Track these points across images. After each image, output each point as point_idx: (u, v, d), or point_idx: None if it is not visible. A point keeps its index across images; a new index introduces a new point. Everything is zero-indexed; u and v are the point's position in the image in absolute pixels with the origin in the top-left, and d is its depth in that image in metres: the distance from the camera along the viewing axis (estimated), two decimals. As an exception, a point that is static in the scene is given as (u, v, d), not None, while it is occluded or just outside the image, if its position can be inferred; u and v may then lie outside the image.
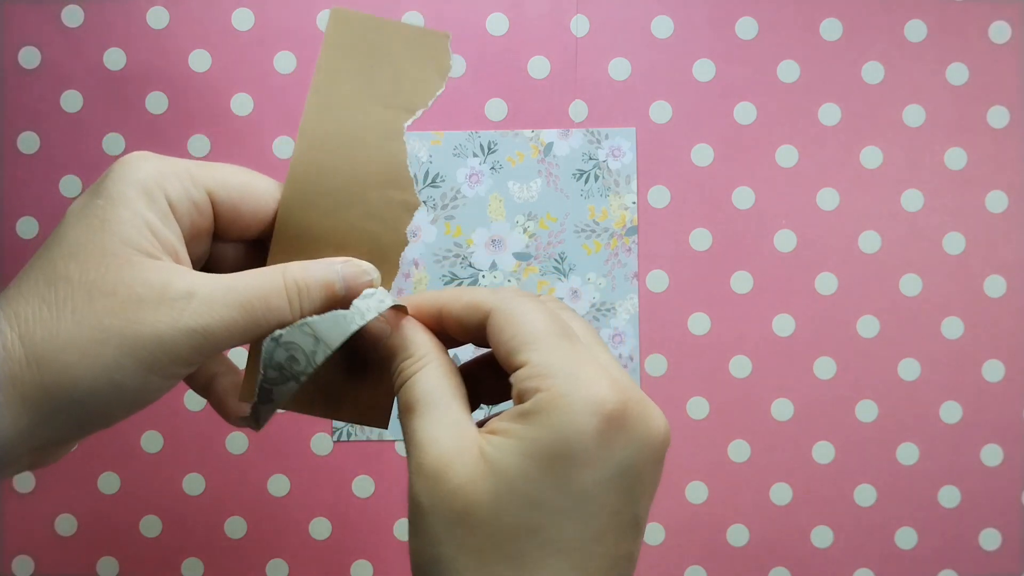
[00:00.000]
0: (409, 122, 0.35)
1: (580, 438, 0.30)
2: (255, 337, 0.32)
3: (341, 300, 0.33)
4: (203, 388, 0.37)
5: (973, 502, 0.58)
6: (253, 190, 0.34)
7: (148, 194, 0.32)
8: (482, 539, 0.30)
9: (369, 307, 0.33)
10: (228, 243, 0.36)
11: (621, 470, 0.30)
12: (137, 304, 0.31)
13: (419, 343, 0.33)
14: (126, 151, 0.57)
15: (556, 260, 0.57)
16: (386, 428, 0.37)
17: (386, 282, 0.35)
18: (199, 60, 0.57)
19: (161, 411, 0.57)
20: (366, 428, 0.57)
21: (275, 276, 0.33)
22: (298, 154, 0.34)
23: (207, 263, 0.36)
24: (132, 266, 0.31)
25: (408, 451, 0.32)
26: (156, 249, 0.32)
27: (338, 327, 0.32)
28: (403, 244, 0.35)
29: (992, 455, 0.57)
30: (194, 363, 0.32)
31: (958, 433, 0.58)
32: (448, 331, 0.34)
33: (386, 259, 0.35)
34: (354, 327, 0.32)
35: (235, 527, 0.57)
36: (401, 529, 0.57)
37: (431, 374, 0.32)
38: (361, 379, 0.36)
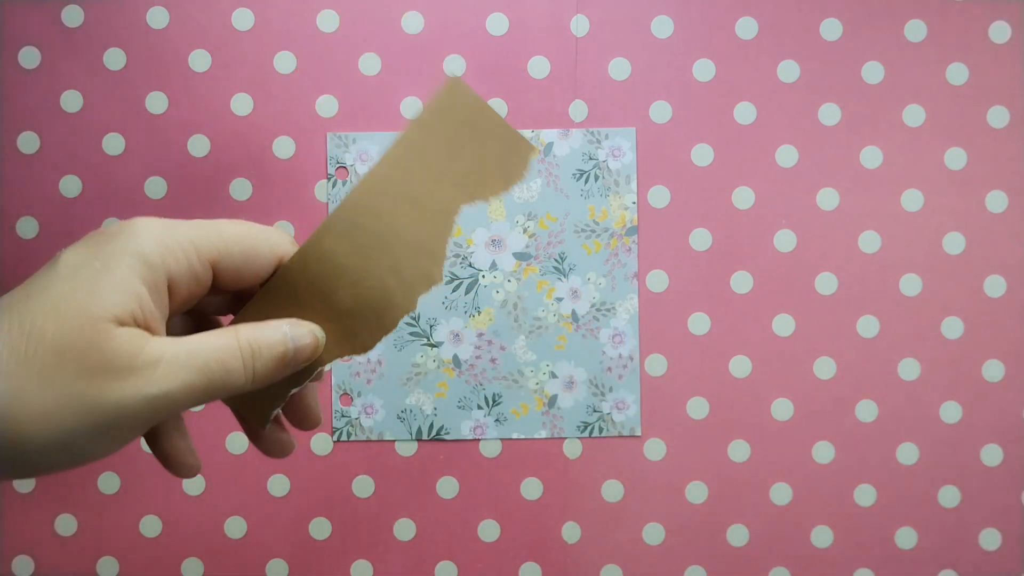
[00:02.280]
0: (468, 207, 0.35)
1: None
2: (210, 399, 0.33)
3: (291, 360, 0.34)
4: (151, 441, 0.37)
5: (973, 502, 0.58)
6: (256, 255, 0.34)
7: (149, 268, 0.32)
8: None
9: None
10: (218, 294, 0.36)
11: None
12: (105, 372, 0.31)
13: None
14: (126, 150, 0.57)
15: (556, 260, 0.57)
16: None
17: (374, 339, 0.35)
18: (199, 60, 0.57)
19: (161, 411, 0.57)
20: (366, 428, 0.57)
21: (230, 339, 0.33)
22: (362, 185, 0.34)
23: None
24: (108, 334, 0.31)
25: None
26: (137, 320, 0.32)
27: None
28: (410, 310, 0.35)
29: (992, 455, 0.57)
30: (149, 427, 0.32)
31: (958, 433, 0.58)
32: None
33: (386, 316, 0.35)
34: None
35: (235, 527, 0.57)
36: (401, 529, 0.57)
37: None
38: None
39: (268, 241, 0.34)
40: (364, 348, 0.34)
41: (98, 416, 0.31)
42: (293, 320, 0.35)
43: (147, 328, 0.32)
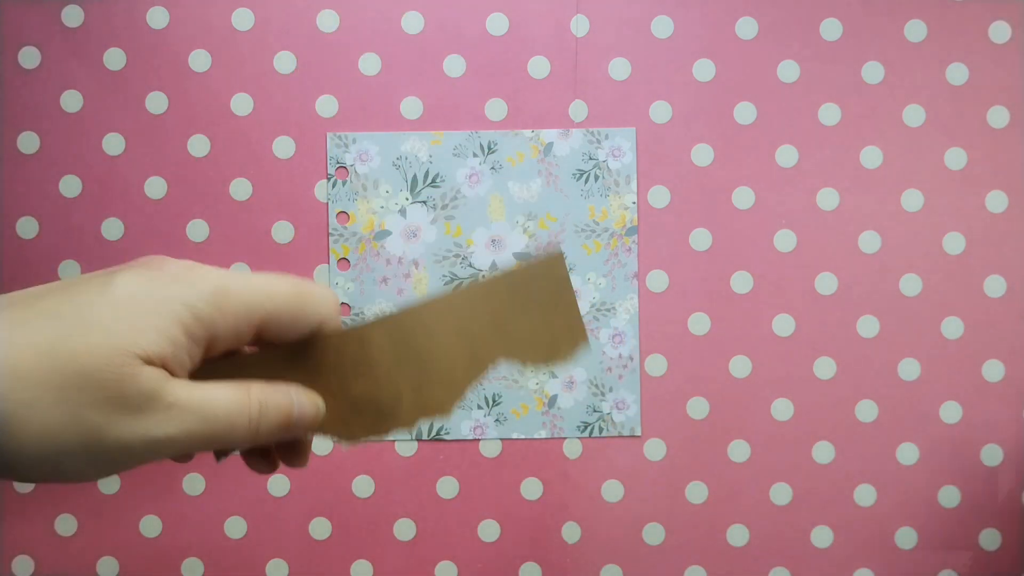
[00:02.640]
0: (506, 361, 0.36)
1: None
2: (209, 449, 0.33)
3: (291, 428, 0.34)
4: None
5: (973, 502, 0.58)
6: (303, 318, 0.34)
7: (198, 322, 0.32)
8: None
9: None
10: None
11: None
12: (119, 406, 0.31)
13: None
14: (126, 150, 0.57)
15: (556, 260, 0.57)
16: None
17: (361, 437, 0.36)
18: (199, 60, 0.57)
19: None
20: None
21: (242, 397, 0.33)
22: (432, 302, 0.35)
23: None
24: (133, 370, 0.31)
25: None
26: (165, 363, 0.32)
27: None
28: (407, 428, 0.36)
29: (992, 455, 0.57)
30: (143, 464, 0.33)
31: (958, 433, 0.58)
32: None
33: (384, 423, 0.35)
34: None
35: (235, 527, 0.57)
36: (401, 529, 0.57)
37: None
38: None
39: (316, 305, 0.34)
40: (349, 439, 0.35)
41: (97, 446, 0.31)
42: (302, 389, 0.35)
43: (171, 371, 0.32)
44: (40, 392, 0.30)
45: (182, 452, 0.32)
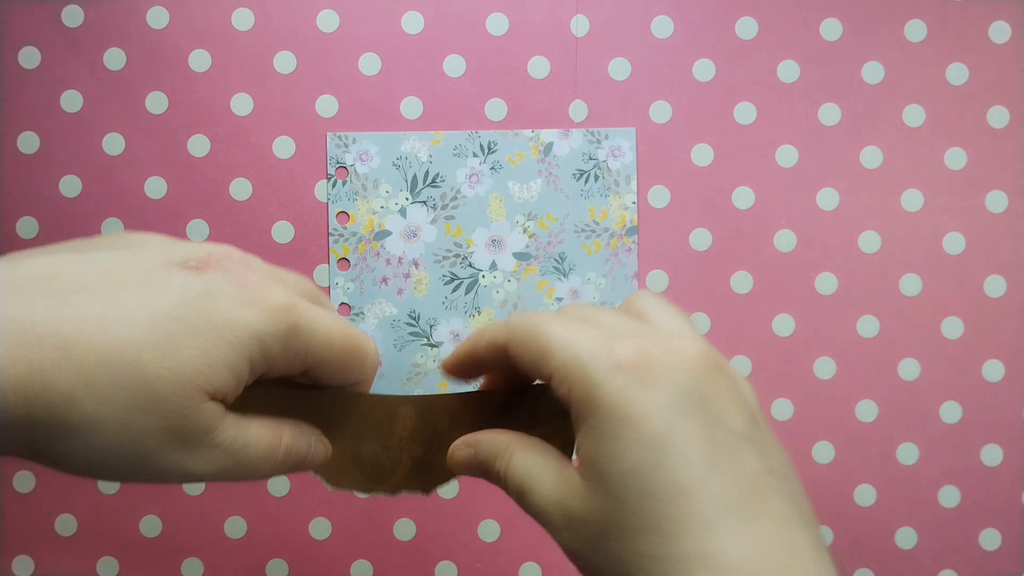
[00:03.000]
0: None
1: (619, 403, 0.31)
2: (223, 480, 0.33)
3: (300, 468, 0.35)
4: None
5: (973, 502, 0.58)
6: (349, 373, 0.34)
7: (262, 357, 0.31)
8: (615, 535, 0.31)
9: None
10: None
11: (676, 401, 0.31)
12: (176, 439, 0.31)
13: (496, 442, 0.36)
14: (126, 150, 0.57)
15: (556, 260, 0.57)
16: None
17: (344, 486, 0.37)
18: (199, 60, 0.57)
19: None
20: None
21: (275, 441, 0.34)
22: (467, 395, 0.36)
23: None
24: (197, 405, 0.31)
25: (539, 521, 0.34)
26: (224, 398, 0.31)
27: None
28: (388, 494, 0.37)
29: (992, 455, 0.57)
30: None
31: (958, 433, 0.58)
32: (486, 370, 0.37)
33: (372, 484, 0.37)
34: None
35: (235, 527, 0.57)
36: (401, 529, 0.57)
37: (517, 459, 0.35)
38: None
39: (363, 364, 0.35)
40: (335, 485, 0.36)
41: (141, 468, 0.31)
42: (320, 436, 0.36)
43: (226, 404, 0.32)
44: (109, 411, 0.29)
45: (206, 481, 0.33)
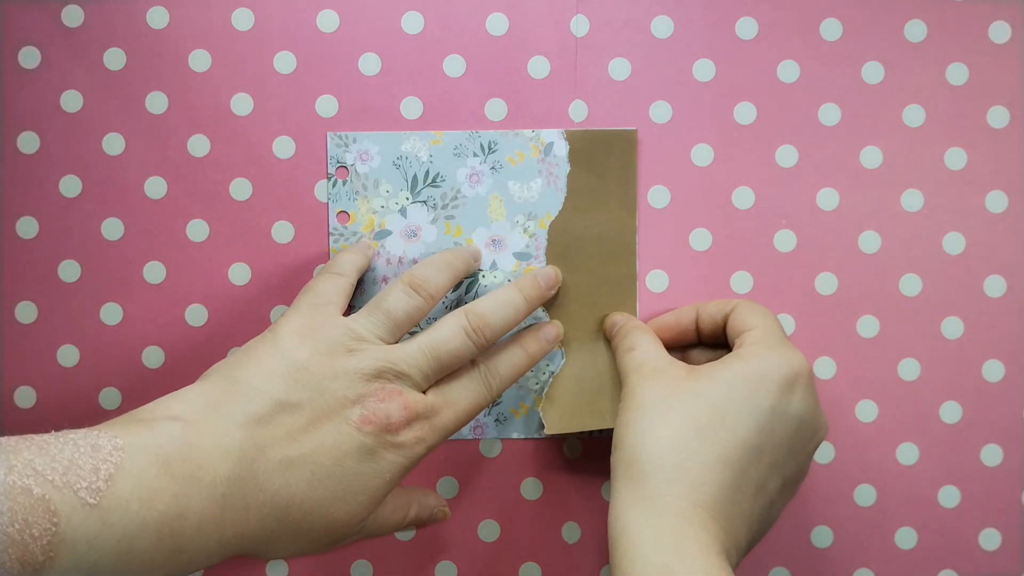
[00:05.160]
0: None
1: (774, 376, 0.44)
2: None
3: (421, 526, 0.56)
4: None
5: (973, 502, 0.58)
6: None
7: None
8: (688, 414, 0.43)
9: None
10: None
11: (791, 415, 0.44)
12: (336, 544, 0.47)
13: (637, 322, 0.54)
14: (126, 150, 0.57)
15: (556, 260, 0.57)
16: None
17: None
18: (199, 60, 0.57)
19: (161, 411, 0.57)
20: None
21: (403, 519, 0.50)
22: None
23: None
24: (333, 539, 0.46)
25: (629, 369, 0.48)
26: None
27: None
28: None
29: (992, 455, 0.57)
30: None
31: (958, 433, 0.58)
32: (700, 325, 0.52)
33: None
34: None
35: (235, 527, 0.57)
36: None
37: (644, 333, 0.52)
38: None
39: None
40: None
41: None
42: (443, 503, 0.54)
43: None
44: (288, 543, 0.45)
45: None
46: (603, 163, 0.55)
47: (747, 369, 0.44)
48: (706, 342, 0.53)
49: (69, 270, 0.57)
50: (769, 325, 0.48)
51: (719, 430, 0.42)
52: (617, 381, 0.51)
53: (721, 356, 0.47)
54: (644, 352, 0.48)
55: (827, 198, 0.57)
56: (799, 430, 0.44)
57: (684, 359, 0.53)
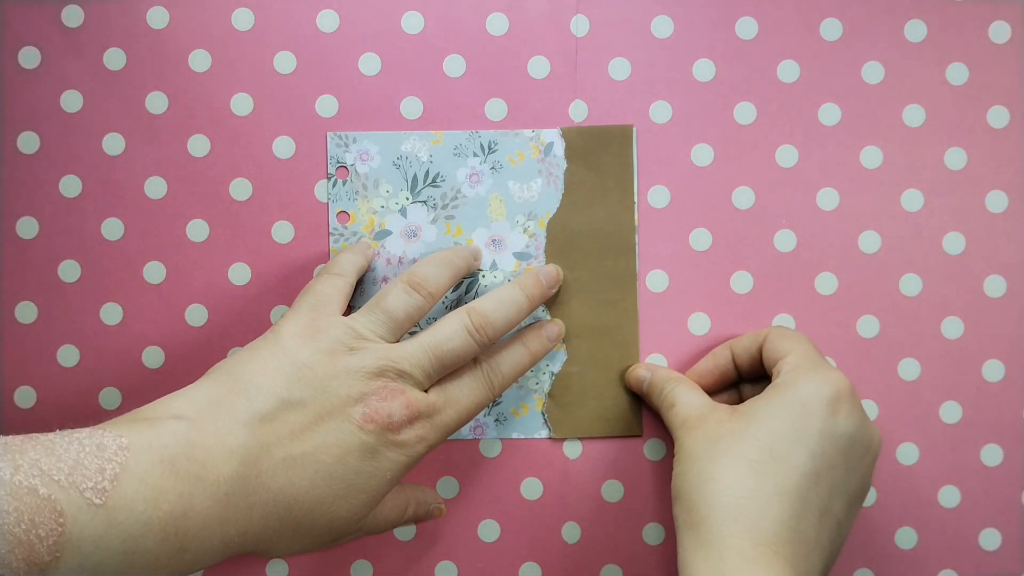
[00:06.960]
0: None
1: (815, 400, 0.44)
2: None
3: (418, 522, 0.57)
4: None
5: (973, 502, 0.58)
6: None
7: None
8: (737, 454, 0.43)
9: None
10: None
11: (839, 434, 0.44)
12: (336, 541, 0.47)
13: (670, 373, 0.54)
14: (126, 150, 0.57)
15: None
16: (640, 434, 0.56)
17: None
18: (199, 60, 0.57)
19: (161, 411, 0.57)
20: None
21: (401, 515, 0.51)
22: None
23: None
24: (328, 539, 0.46)
25: (675, 425, 0.49)
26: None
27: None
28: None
29: (992, 455, 0.57)
30: None
31: (958, 433, 0.58)
32: (737, 362, 0.53)
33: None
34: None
35: (235, 527, 0.57)
36: (401, 529, 0.57)
37: (682, 386, 0.52)
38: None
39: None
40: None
41: (316, 537, 0.45)
42: (440, 501, 0.56)
43: None
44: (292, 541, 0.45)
45: None
46: (600, 159, 0.55)
47: (787, 398, 0.44)
48: (749, 377, 0.54)
49: (69, 270, 0.57)
50: (802, 349, 0.48)
51: (770, 463, 0.42)
52: (622, 382, 0.56)
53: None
54: (684, 404, 0.49)
55: (827, 198, 0.57)
56: (851, 447, 0.44)
57: (736, 396, 0.54)
